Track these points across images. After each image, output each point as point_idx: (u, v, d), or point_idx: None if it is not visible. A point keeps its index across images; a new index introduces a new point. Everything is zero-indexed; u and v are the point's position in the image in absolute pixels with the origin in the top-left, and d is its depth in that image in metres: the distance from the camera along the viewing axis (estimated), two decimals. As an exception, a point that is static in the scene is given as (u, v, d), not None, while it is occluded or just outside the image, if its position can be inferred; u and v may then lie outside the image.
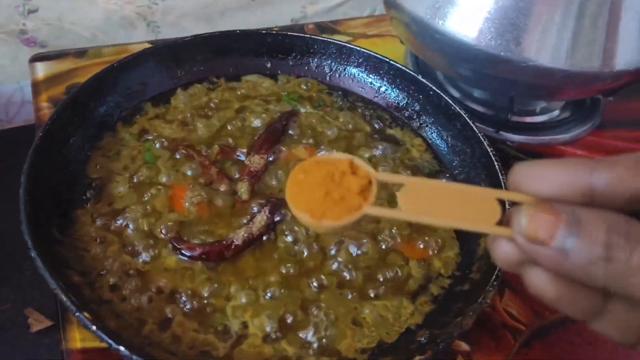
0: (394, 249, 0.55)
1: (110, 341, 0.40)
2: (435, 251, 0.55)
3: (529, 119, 0.84)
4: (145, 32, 0.93)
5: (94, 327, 0.40)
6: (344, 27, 0.97)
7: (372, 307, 0.50)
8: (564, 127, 0.82)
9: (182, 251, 0.51)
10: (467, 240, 0.56)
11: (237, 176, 0.58)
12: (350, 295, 0.50)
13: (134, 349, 0.40)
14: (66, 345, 0.53)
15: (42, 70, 0.80)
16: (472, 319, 0.45)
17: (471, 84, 0.81)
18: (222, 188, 0.57)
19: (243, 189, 0.57)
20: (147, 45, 0.84)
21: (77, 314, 0.41)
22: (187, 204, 0.55)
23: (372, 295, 0.51)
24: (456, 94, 0.83)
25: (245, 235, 0.52)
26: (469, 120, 0.62)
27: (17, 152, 0.91)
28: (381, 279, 0.52)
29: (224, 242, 0.52)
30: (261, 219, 0.53)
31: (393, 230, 0.56)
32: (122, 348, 0.40)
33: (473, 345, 0.56)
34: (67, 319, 0.54)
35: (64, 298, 0.41)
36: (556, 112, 0.86)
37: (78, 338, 0.53)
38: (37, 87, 0.78)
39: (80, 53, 0.83)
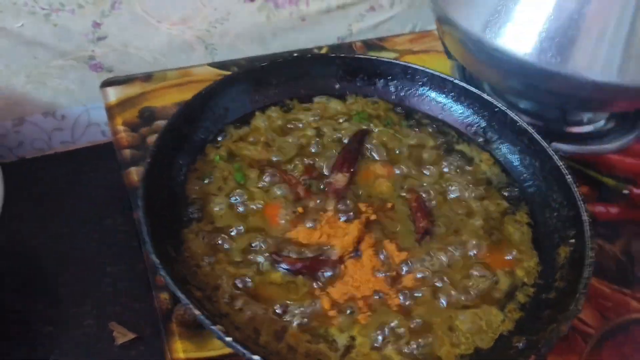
0: (478, 260, 0.58)
1: (244, 351, 0.43)
2: (517, 260, 0.58)
3: (577, 129, 0.87)
4: (203, 54, 0.96)
5: (230, 339, 0.44)
6: (390, 44, 1.01)
7: (465, 315, 0.53)
8: (611, 137, 0.85)
9: (283, 265, 0.55)
10: (545, 250, 0.59)
11: (322, 193, 0.62)
12: (444, 303, 0.54)
13: (265, 357, 0.43)
14: (172, 356, 0.56)
15: (113, 95, 0.84)
16: (567, 325, 0.48)
17: (524, 97, 0.84)
18: (311, 205, 0.61)
19: (331, 206, 0.60)
20: (209, 68, 0.89)
21: (212, 327, 0.44)
22: (281, 220, 0.59)
23: (462, 304, 0.54)
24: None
25: (341, 250, 0.56)
26: (535, 136, 0.66)
27: (84, 173, 0.95)
28: (470, 289, 0.56)
29: (322, 256, 0.56)
30: (354, 232, 0.57)
31: (474, 241, 0.59)
32: (255, 357, 0.43)
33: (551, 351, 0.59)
34: (170, 331, 0.57)
35: (198, 312, 0.45)
36: (602, 122, 0.89)
37: (181, 349, 0.56)
38: (111, 111, 0.82)
39: (147, 77, 0.87)
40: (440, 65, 0.94)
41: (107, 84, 0.85)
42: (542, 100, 0.82)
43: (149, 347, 0.74)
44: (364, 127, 0.71)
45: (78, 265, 0.82)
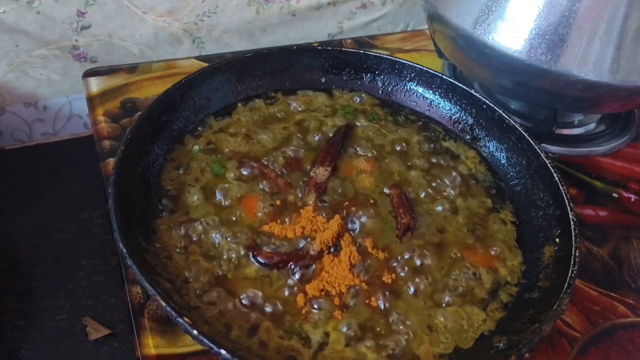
0: (460, 258, 0.57)
1: (211, 345, 0.41)
2: (501, 259, 0.57)
3: (567, 131, 0.86)
4: (190, 48, 0.95)
5: (195, 332, 0.42)
6: (381, 42, 1.00)
7: (445, 314, 0.52)
8: (601, 140, 0.84)
9: (259, 259, 0.53)
10: (530, 249, 0.58)
11: (303, 187, 0.60)
12: (423, 303, 0.52)
13: (233, 352, 0.41)
14: (142, 351, 0.54)
15: (95, 85, 0.82)
16: (550, 325, 0.46)
17: (514, 96, 0.83)
18: (290, 198, 0.59)
19: (311, 200, 0.59)
20: (195, 61, 0.87)
21: (179, 319, 0.42)
22: (259, 213, 0.57)
23: (443, 303, 0.52)
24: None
25: (320, 245, 0.54)
26: (524, 133, 0.64)
27: (65, 165, 0.93)
28: (450, 287, 0.54)
29: (300, 251, 0.54)
30: (334, 227, 0.55)
31: (455, 238, 0.58)
32: (223, 352, 0.41)
33: (531, 352, 0.58)
34: (141, 325, 0.55)
35: (164, 304, 0.43)
36: (592, 125, 0.88)
37: (152, 345, 0.54)
38: (92, 101, 0.80)
39: (132, 68, 0.86)
40: (431, 65, 0.91)
41: (89, 74, 0.83)
42: (532, 100, 0.81)
43: (123, 343, 0.72)
44: (349, 122, 0.69)
45: (52, 257, 0.80)
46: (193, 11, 0.91)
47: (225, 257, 0.53)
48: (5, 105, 0.89)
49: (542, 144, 0.81)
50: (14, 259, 0.81)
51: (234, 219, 0.56)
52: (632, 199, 0.76)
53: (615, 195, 0.76)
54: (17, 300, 0.76)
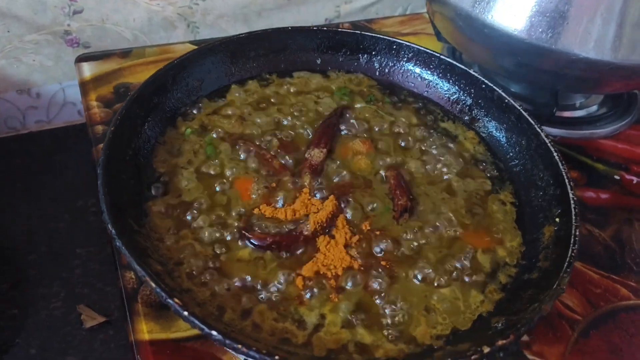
0: (458, 238, 0.55)
1: (202, 326, 0.40)
2: (500, 240, 0.56)
3: (568, 114, 0.84)
4: (184, 33, 0.94)
5: (186, 313, 0.41)
6: (378, 26, 0.98)
7: (442, 295, 0.50)
8: (603, 122, 0.83)
9: (252, 240, 0.52)
10: (530, 230, 0.57)
11: (298, 169, 0.59)
12: (419, 284, 0.51)
13: (225, 334, 0.40)
14: (135, 337, 0.53)
15: (88, 70, 0.81)
16: (550, 304, 0.45)
17: (515, 78, 0.82)
18: (286, 179, 0.58)
19: (306, 181, 0.58)
20: (190, 46, 0.86)
21: (169, 300, 0.41)
22: (253, 195, 0.56)
23: (441, 284, 0.51)
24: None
25: (314, 225, 0.53)
26: (523, 112, 0.63)
27: (58, 153, 0.92)
28: (448, 269, 0.53)
29: (294, 232, 0.53)
30: (328, 208, 0.54)
31: (453, 219, 0.57)
32: (214, 333, 0.40)
33: (532, 336, 0.57)
34: (134, 311, 0.54)
35: (154, 285, 0.42)
36: (594, 107, 0.86)
37: (145, 330, 0.53)
38: (85, 86, 0.79)
39: (125, 53, 0.84)
40: (430, 47, 0.91)
41: (82, 59, 0.82)
42: (533, 81, 0.79)
43: (118, 330, 0.72)
44: (346, 103, 0.68)
45: (47, 245, 0.80)
46: (187, -5, 0.90)
47: (217, 239, 0.52)
48: (-2, 92, 0.88)
49: (543, 127, 0.79)
50: (8, 248, 0.80)
51: (227, 201, 0.55)
52: (635, 181, 0.75)
53: (617, 177, 0.75)
54: (12, 289, 0.75)
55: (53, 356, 0.69)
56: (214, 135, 0.61)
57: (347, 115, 0.66)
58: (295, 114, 0.65)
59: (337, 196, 0.56)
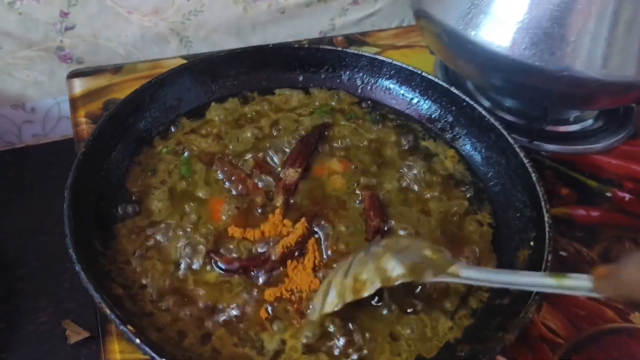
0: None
1: (153, 354, 0.40)
2: (473, 263, 0.54)
3: (562, 128, 0.82)
4: (177, 47, 0.94)
5: (138, 340, 0.41)
6: (373, 39, 0.98)
7: (410, 322, 0.50)
8: (597, 137, 0.81)
9: (219, 264, 0.52)
10: (505, 253, 0.55)
11: (272, 189, 0.59)
12: (386, 311, 0.50)
13: (176, 361, 0.40)
14: (106, 356, 0.54)
15: (79, 86, 0.82)
16: (514, 333, 0.44)
17: (503, 93, 0.81)
18: (259, 200, 0.58)
19: (279, 202, 0.57)
20: (181, 60, 0.86)
21: (121, 327, 0.41)
22: (223, 216, 0.56)
23: (409, 310, 0.50)
24: (487, 104, 0.82)
25: (282, 250, 0.52)
26: (503, 132, 0.62)
27: (54, 166, 0.93)
28: (418, 293, 0.52)
29: (262, 257, 0.52)
30: (299, 231, 0.53)
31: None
32: (164, 361, 0.40)
33: (512, 359, 0.55)
34: (107, 331, 0.55)
35: (108, 311, 0.42)
36: (589, 122, 0.84)
37: (117, 350, 0.53)
38: (75, 103, 0.80)
39: (117, 69, 0.85)
40: (424, 61, 0.90)
41: (73, 75, 0.83)
42: (520, 97, 0.78)
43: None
44: (325, 121, 0.67)
45: (37, 260, 0.81)
46: (179, 10, 0.90)
47: (185, 262, 0.52)
48: (-7, 107, 0.90)
49: (535, 142, 0.78)
50: (0, 261, 0.81)
51: (196, 222, 0.55)
52: (627, 198, 0.73)
53: (608, 194, 0.73)
54: (1, 303, 0.76)
55: (37, 371, 0.70)
56: (188, 155, 0.61)
57: (326, 133, 0.66)
58: (274, 132, 0.65)
59: (309, 217, 0.56)
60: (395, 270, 0.46)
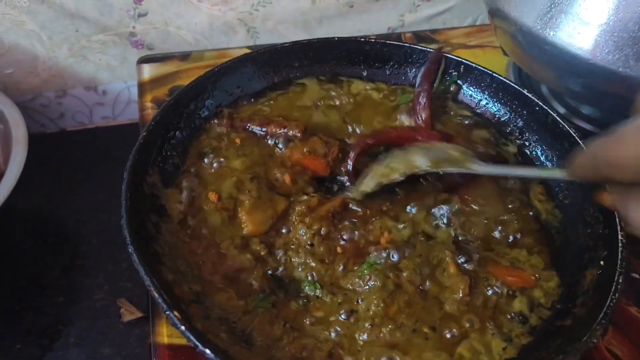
0: (487, 273, 0.52)
1: (197, 343, 0.40)
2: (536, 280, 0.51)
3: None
4: (245, 38, 0.94)
5: (183, 327, 0.40)
6: (443, 37, 0.94)
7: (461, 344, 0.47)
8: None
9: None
10: (568, 271, 0.52)
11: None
12: (449, 335, 0.48)
13: (219, 352, 0.40)
14: (154, 339, 0.54)
15: (148, 72, 0.84)
16: (576, 358, 0.41)
17: (581, 100, 0.76)
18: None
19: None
20: (247, 51, 0.86)
21: (167, 312, 0.41)
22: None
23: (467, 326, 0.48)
24: (562, 110, 0.78)
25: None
26: (578, 140, 0.58)
27: (120, 148, 0.95)
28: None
29: None
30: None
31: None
32: (207, 351, 0.40)
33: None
34: (158, 314, 0.55)
35: (156, 295, 0.42)
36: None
37: (165, 333, 0.54)
38: (142, 87, 0.82)
39: (184, 56, 0.86)
40: (495, 62, 0.86)
41: (143, 60, 0.85)
42: (601, 104, 0.73)
43: (153, 327, 0.73)
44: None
45: (97, 237, 0.83)
46: (248, 0, 0.90)
47: (236, 250, 0.52)
48: (67, 88, 0.93)
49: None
50: (62, 236, 0.84)
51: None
52: None
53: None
54: (61, 277, 0.78)
55: (90, 346, 0.72)
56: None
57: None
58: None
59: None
60: (420, 161, 0.55)
